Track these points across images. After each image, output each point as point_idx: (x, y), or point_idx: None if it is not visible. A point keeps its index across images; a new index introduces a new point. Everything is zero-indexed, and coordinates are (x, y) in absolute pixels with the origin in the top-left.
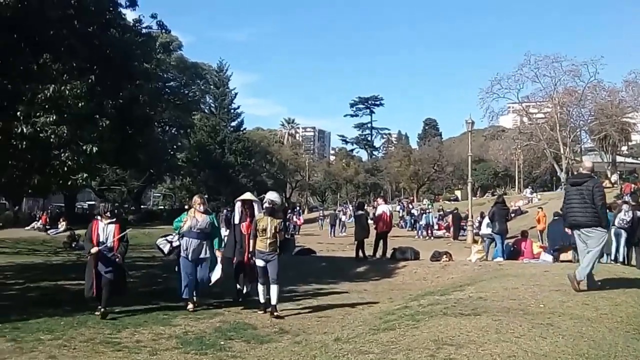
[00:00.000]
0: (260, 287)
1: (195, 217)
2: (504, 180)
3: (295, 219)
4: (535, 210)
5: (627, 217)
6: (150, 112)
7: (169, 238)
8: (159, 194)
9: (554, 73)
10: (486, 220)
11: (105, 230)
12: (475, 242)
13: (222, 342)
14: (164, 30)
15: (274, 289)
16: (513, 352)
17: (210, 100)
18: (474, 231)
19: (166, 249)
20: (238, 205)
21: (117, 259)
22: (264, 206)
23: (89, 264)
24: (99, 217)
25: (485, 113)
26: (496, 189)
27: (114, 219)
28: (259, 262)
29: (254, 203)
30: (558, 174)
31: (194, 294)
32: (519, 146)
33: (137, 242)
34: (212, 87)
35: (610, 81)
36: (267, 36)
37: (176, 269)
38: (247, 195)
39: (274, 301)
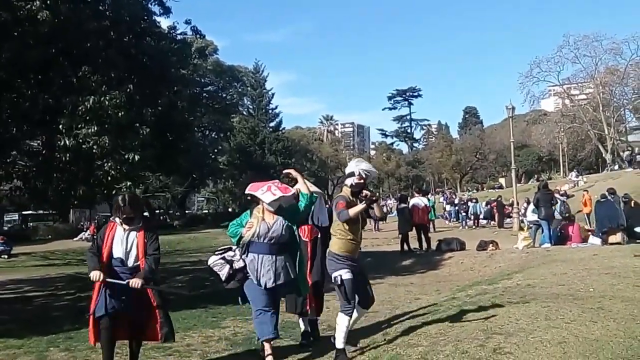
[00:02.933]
0: (344, 320)
1: (264, 219)
2: (548, 165)
3: None
4: (581, 194)
5: None
6: (190, 117)
7: (227, 255)
8: (203, 199)
9: (594, 53)
10: (531, 206)
11: (126, 240)
12: (521, 229)
13: None
14: (198, 36)
15: (362, 314)
16: (563, 338)
17: (248, 102)
18: (520, 218)
19: (224, 272)
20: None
21: (152, 288)
22: (350, 183)
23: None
24: (117, 219)
25: (525, 98)
26: (541, 174)
27: (139, 223)
28: (347, 275)
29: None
30: (603, 155)
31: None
32: (562, 129)
33: (184, 247)
34: (249, 89)
35: None
36: (302, 35)
37: (240, 301)
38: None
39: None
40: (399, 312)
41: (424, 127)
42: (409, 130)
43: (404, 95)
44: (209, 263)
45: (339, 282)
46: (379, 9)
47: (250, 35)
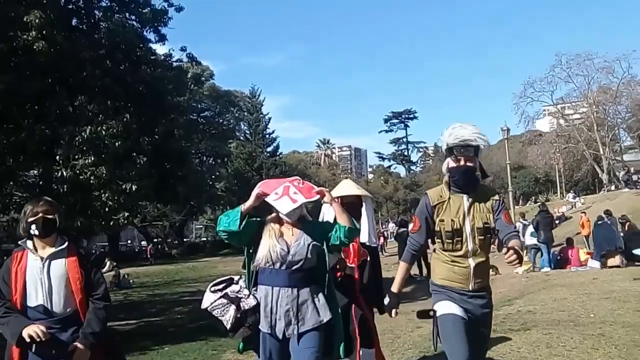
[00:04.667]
0: None
1: (282, 234)
2: (545, 186)
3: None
4: (579, 216)
5: None
6: (187, 144)
7: (230, 291)
8: (201, 226)
9: (586, 71)
10: (530, 229)
11: (47, 275)
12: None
13: None
14: (194, 62)
15: None
16: None
17: (245, 127)
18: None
19: (228, 317)
20: (327, 210)
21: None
22: (445, 166)
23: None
24: (29, 244)
25: (520, 118)
26: (538, 196)
27: (63, 243)
28: (446, 307)
29: (364, 201)
30: (600, 175)
31: None
32: (557, 150)
33: (182, 277)
34: (245, 113)
35: None
36: (297, 59)
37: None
38: (348, 187)
39: None
40: (400, 342)
41: (421, 150)
42: (405, 153)
43: (399, 118)
44: (204, 305)
45: (431, 316)
46: (373, 33)
47: (245, 59)
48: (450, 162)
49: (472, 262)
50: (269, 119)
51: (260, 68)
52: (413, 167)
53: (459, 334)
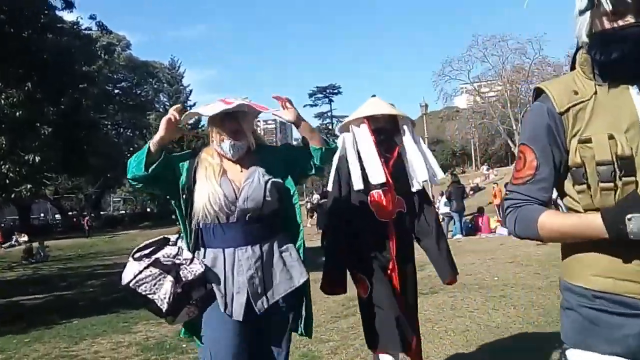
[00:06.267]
0: None
1: (224, 170)
2: (462, 159)
3: None
4: (491, 186)
5: None
6: (98, 115)
7: (163, 257)
8: (119, 199)
9: (501, 52)
10: (443, 199)
11: None
12: None
13: (184, 345)
14: (104, 31)
15: None
16: (467, 327)
17: (165, 99)
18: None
19: (163, 293)
20: (345, 138)
21: None
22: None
23: None
24: None
25: (439, 95)
26: (455, 168)
27: None
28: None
29: (403, 124)
30: (512, 149)
31: None
32: (473, 125)
33: (97, 250)
34: (165, 85)
35: (554, 57)
36: (220, 31)
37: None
38: (378, 105)
39: None
40: (315, 309)
41: None
42: (330, 127)
43: (324, 92)
44: (125, 280)
45: None
46: (297, 6)
47: (166, 31)
48: (597, 22)
49: None
50: (190, 91)
51: (181, 40)
52: (337, 141)
53: None
